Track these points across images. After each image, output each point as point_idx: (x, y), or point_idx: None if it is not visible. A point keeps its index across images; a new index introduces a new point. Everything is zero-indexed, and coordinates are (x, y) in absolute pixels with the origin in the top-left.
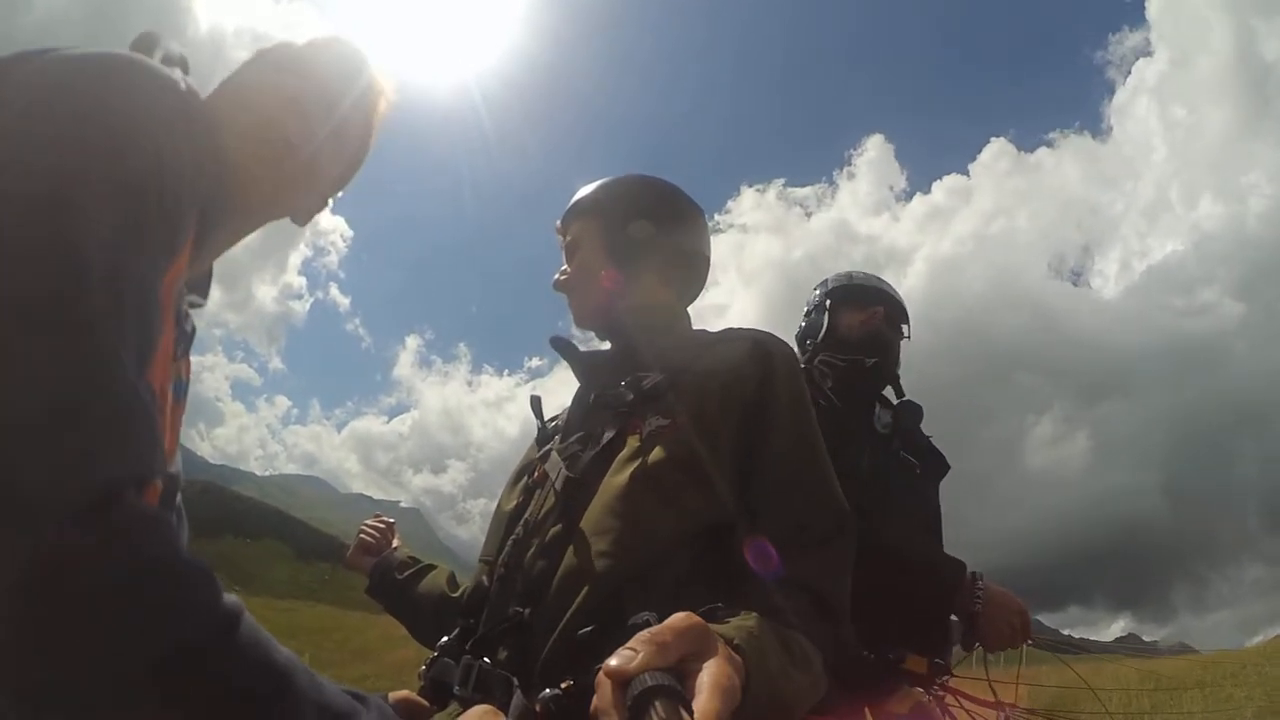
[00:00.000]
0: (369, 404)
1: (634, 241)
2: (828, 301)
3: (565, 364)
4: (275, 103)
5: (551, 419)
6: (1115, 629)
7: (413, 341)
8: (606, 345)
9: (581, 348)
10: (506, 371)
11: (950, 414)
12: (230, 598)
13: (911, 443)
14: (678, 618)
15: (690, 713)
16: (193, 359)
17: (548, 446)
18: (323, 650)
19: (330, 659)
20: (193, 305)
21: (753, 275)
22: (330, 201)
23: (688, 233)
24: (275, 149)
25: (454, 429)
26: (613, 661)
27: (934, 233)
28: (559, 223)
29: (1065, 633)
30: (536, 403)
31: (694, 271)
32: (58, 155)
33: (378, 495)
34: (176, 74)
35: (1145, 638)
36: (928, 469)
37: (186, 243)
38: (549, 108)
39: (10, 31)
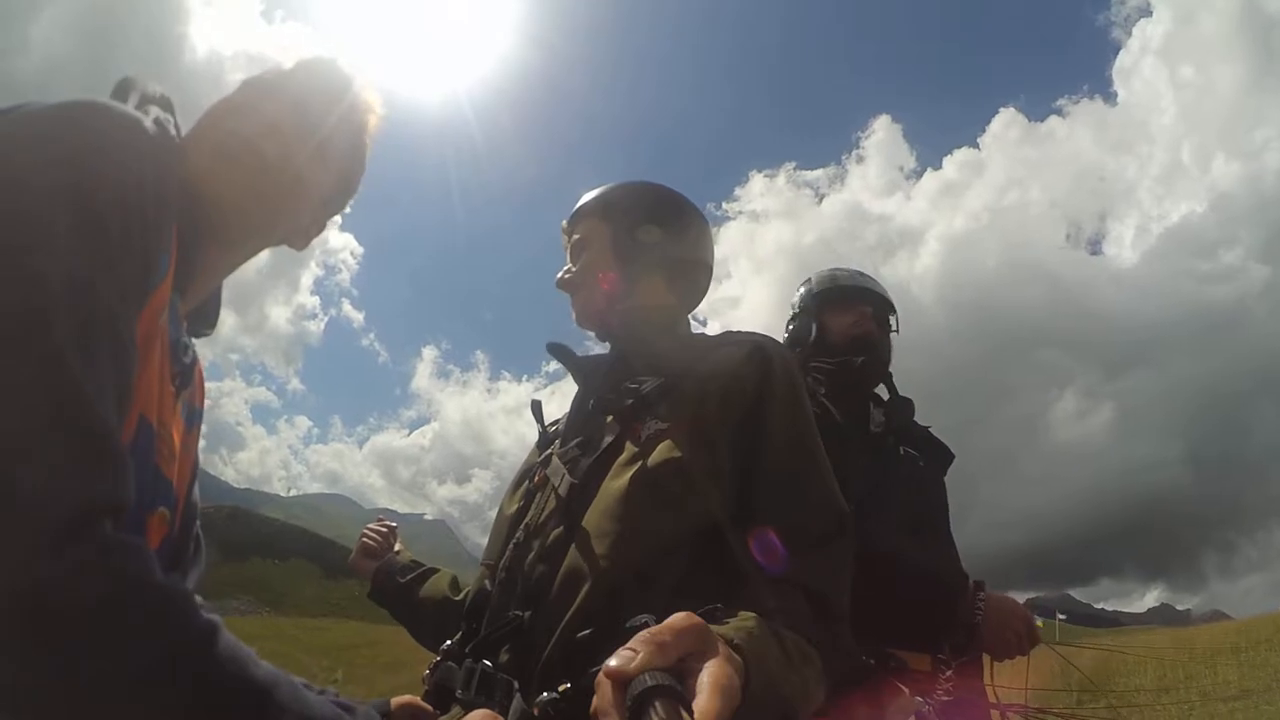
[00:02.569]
0: (389, 418)
1: (641, 245)
2: (813, 305)
3: None
4: (252, 128)
5: (552, 423)
6: (1149, 599)
7: (429, 353)
8: (605, 349)
9: (580, 353)
10: (525, 377)
11: (972, 393)
12: (208, 615)
13: (910, 437)
14: (678, 617)
15: (690, 713)
16: (211, 385)
17: (548, 451)
18: (355, 666)
19: (362, 674)
20: (198, 335)
21: (765, 263)
22: (332, 222)
23: (693, 241)
24: (254, 174)
25: (476, 438)
26: (612, 662)
27: (947, 209)
28: (565, 223)
29: (1099, 606)
30: (537, 407)
31: (697, 280)
32: (20, 198)
33: (403, 509)
34: (153, 112)
35: (1178, 607)
36: (930, 461)
37: (165, 273)
38: (550, 108)
39: (10, 73)
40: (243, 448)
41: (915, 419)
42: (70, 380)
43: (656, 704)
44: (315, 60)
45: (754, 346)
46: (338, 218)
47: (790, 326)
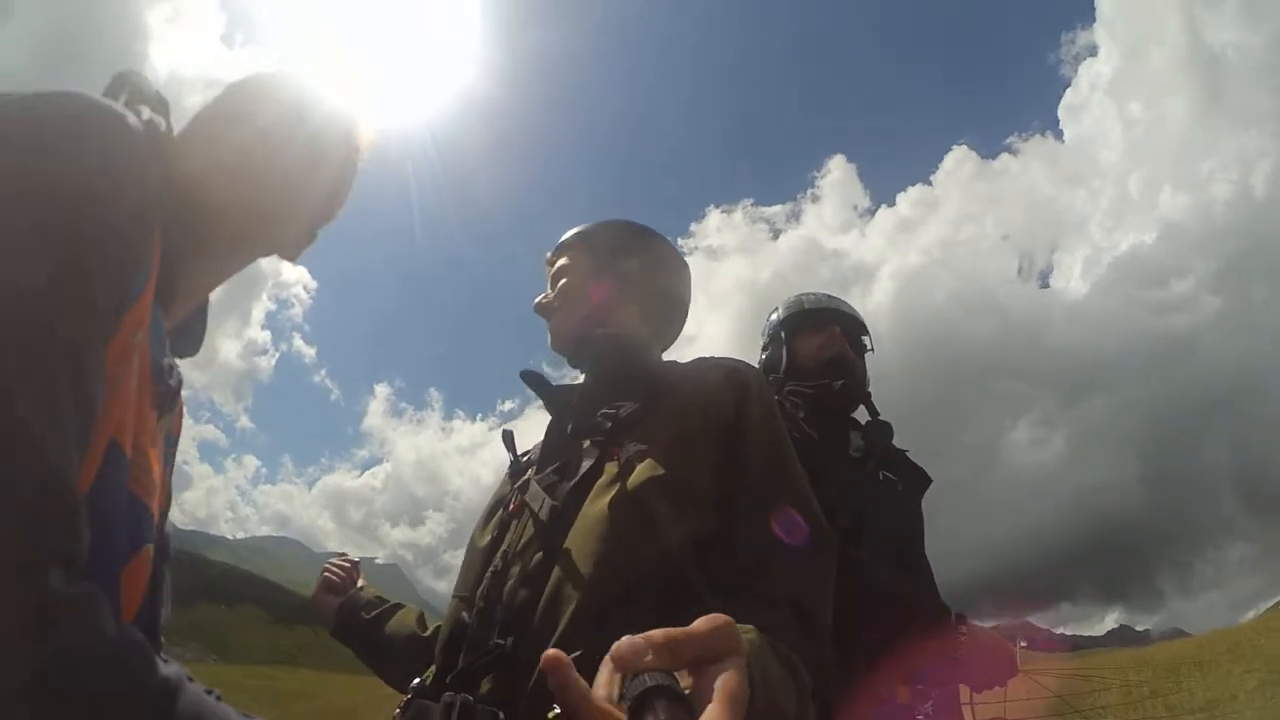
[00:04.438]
0: (341, 458)
1: (619, 273)
2: (782, 333)
3: (537, 406)
4: (244, 133)
5: (524, 453)
6: (1108, 621)
7: (382, 390)
8: (578, 379)
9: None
10: (479, 416)
11: (928, 426)
12: (169, 670)
13: (889, 461)
14: (711, 618)
15: (690, 717)
16: None
17: (524, 478)
18: (307, 716)
19: None
20: (183, 355)
21: (721, 298)
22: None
23: (671, 278)
24: (246, 181)
25: (429, 479)
26: (623, 648)
27: (901, 245)
28: (549, 254)
29: (1058, 631)
30: (509, 437)
31: (673, 316)
32: None
33: (354, 553)
34: (144, 112)
35: (1138, 627)
36: (909, 485)
37: (143, 288)
38: (509, 143)
39: None
40: (189, 487)
41: (893, 442)
42: (16, 420)
43: (658, 706)
44: (304, 70)
45: (730, 370)
46: None
47: (762, 357)
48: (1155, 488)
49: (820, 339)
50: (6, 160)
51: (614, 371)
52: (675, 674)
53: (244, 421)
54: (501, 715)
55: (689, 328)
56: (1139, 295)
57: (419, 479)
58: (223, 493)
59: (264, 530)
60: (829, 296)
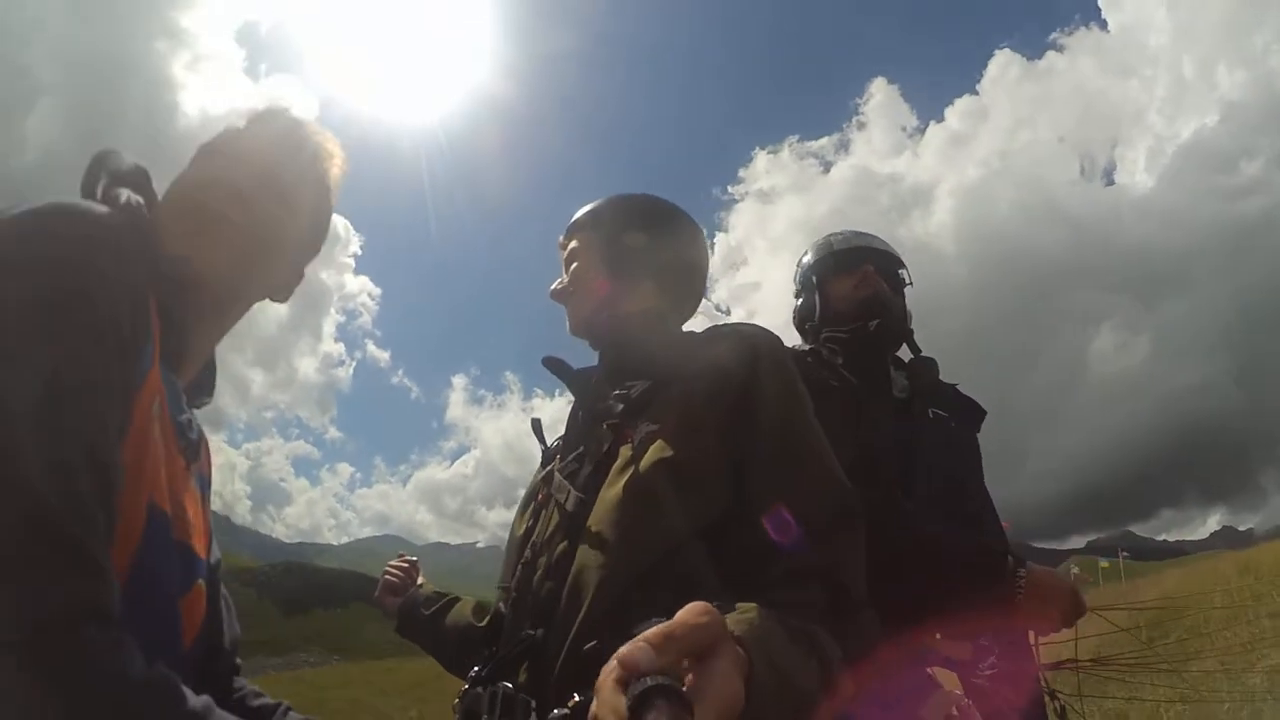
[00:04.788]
0: (430, 452)
1: (628, 250)
2: (814, 278)
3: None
4: (218, 198)
5: (555, 440)
6: (1210, 524)
7: (459, 381)
8: (593, 364)
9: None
10: (558, 392)
11: (1006, 346)
12: (197, 702)
13: (937, 398)
14: (690, 609)
15: (690, 713)
16: (250, 446)
17: (550, 467)
18: (428, 703)
19: (437, 710)
20: (199, 405)
21: (780, 241)
22: (345, 268)
23: (682, 244)
24: (226, 242)
25: (519, 459)
26: (624, 652)
27: (956, 161)
28: (560, 238)
29: (1160, 538)
30: (537, 425)
31: (690, 282)
32: None
33: (454, 540)
34: (123, 195)
35: (1240, 527)
36: (961, 420)
37: (149, 366)
38: (550, 118)
39: (8, 173)
40: (289, 503)
41: (941, 377)
42: (40, 499)
43: (658, 705)
44: (268, 113)
45: (739, 338)
46: (351, 263)
47: (797, 303)
48: (1250, 382)
49: (853, 280)
50: (3, 285)
51: (629, 352)
52: (676, 670)
53: (332, 432)
54: (534, 703)
55: (752, 275)
56: (1209, 182)
57: (509, 460)
58: (322, 502)
59: (366, 532)
60: (858, 234)
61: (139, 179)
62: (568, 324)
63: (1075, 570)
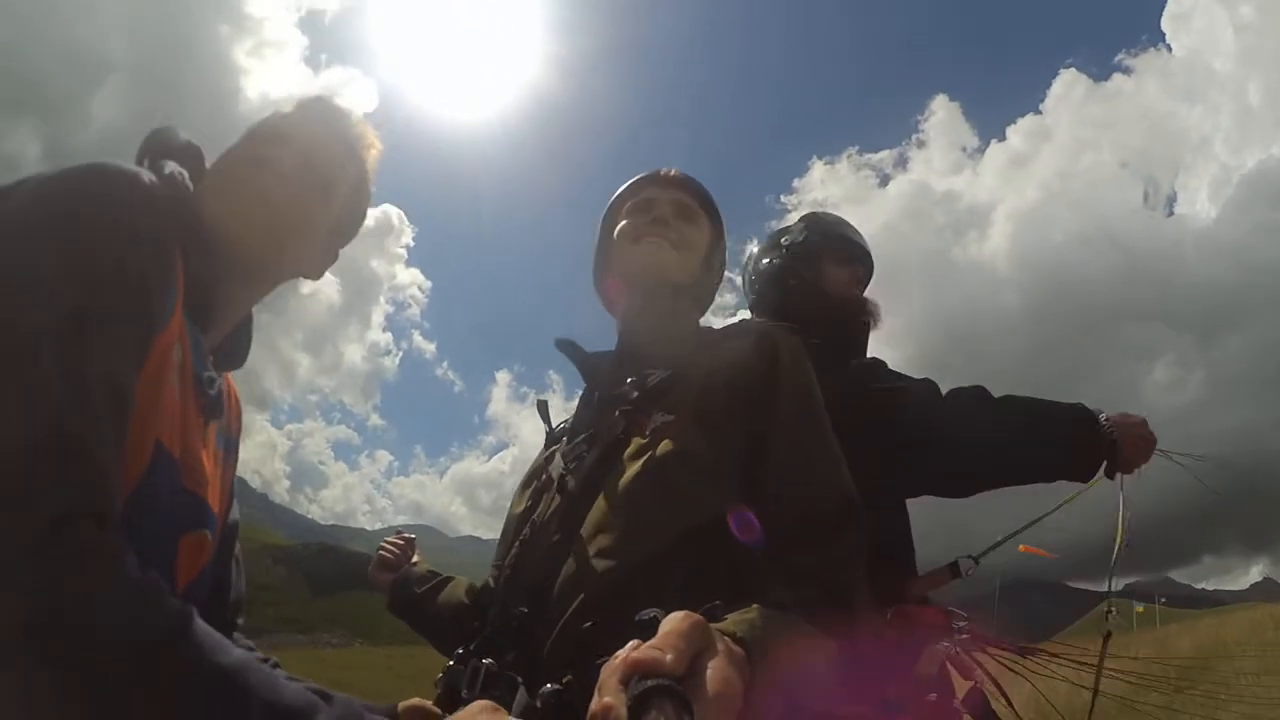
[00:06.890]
0: (469, 445)
1: (713, 274)
2: (816, 246)
3: None
4: (254, 169)
5: (560, 422)
6: (1253, 574)
7: (503, 377)
8: (608, 349)
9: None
10: None
11: (1055, 375)
12: (178, 604)
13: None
14: (676, 618)
15: (691, 715)
16: (292, 427)
17: (554, 449)
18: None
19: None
20: (231, 368)
21: None
22: (397, 258)
23: (725, 254)
24: (265, 219)
25: None
26: (637, 655)
27: (1016, 181)
28: (680, 175)
29: (1199, 586)
30: (543, 406)
31: (719, 285)
32: (14, 260)
33: (486, 535)
34: (168, 166)
35: None
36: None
37: (170, 316)
38: (596, 119)
39: (74, 149)
40: (326, 485)
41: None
42: (55, 404)
43: (658, 705)
44: (314, 100)
45: (761, 334)
46: (403, 254)
47: (777, 259)
48: None
49: (848, 273)
50: (35, 229)
51: (648, 336)
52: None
53: (374, 419)
54: (520, 680)
55: None
56: (1273, 216)
57: None
58: (359, 488)
59: (400, 520)
60: (849, 225)
61: (189, 154)
62: (636, 265)
63: (1112, 612)
